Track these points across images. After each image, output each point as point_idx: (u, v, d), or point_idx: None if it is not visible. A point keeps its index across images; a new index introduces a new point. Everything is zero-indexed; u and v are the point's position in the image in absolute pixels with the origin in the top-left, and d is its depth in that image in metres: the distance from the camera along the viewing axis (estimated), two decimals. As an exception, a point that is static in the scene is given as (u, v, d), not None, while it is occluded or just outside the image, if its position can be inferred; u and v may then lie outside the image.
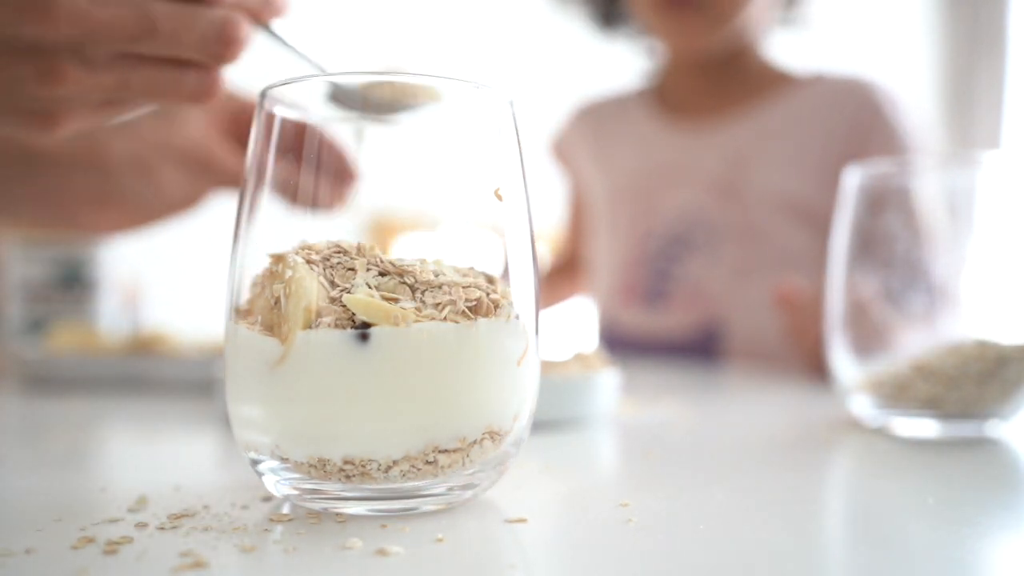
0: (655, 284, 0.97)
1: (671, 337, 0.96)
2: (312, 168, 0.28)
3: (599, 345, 1.00)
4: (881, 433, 0.47)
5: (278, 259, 0.29)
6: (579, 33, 1.19)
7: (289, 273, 0.28)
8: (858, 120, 0.92)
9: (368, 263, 0.28)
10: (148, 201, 0.56)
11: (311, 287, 0.27)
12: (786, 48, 1.07)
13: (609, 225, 1.05)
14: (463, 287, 0.28)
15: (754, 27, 0.96)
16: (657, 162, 1.01)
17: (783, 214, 0.93)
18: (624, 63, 1.15)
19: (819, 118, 0.94)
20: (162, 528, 0.27)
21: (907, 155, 0.89)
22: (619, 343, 1.00)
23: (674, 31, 0.95)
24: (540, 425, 0.45)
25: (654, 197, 1.00)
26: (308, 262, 0.28)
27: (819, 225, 0.85)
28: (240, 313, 0.30)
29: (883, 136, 0.90)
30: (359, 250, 0.29)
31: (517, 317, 0.29)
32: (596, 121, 1.11)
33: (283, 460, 0.28)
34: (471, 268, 0.30)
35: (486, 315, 0.28)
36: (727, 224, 0.94)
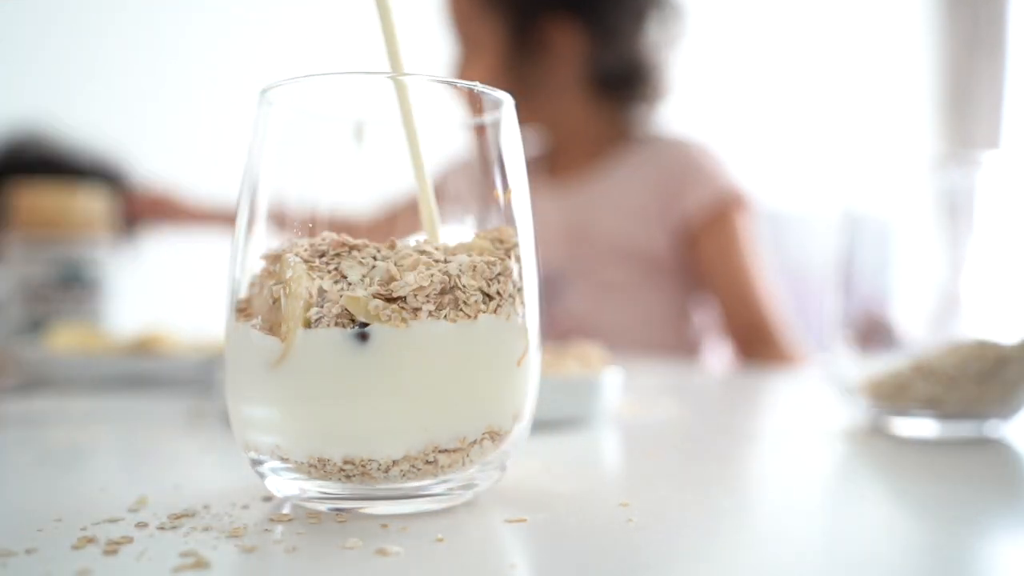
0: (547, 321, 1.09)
1: None
2: None
3: None
4: (881, 433, 0.47)
5: (275, 258, 0.29)
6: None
7: (289, 273, 0.28)
8: (671, 172, 1.10)
9: (368, 262, 0.28)
10: None
11: (311, 286, 0.27)
12: (792, 53, 1.08)
13: None
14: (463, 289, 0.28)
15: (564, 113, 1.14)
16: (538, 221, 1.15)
17: (615, 254, 1.12)
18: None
19: (644, 178, 1.11)
20: (162, 528, 0.27)
21: (718, 197, 1.07)
22: None
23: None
24: (540, 425, 0.45)
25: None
26: (306, 261, 0.28)
27: (642, 262, 1.10)
28: (240, 312, 0.30)
29: (691, 181, 1.08)
30: (358, 249, 0.29)
31: (519, 317, 0.29)
32: None
33: (283, 460, 0.28)
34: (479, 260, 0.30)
35: (493, 312, 0.28)
36: (579, 265, 1.12)
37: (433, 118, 0.31)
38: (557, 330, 1.10)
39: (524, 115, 0.32)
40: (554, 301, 1.12)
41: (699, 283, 1.12)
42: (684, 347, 1.13)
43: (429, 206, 0.31)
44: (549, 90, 1.12)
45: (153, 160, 2.12)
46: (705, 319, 1.16)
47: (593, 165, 1.16)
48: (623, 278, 1.13)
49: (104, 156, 1.54)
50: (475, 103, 0.31)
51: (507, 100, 0.31)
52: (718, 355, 1.17)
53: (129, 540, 0.25)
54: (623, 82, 1.13)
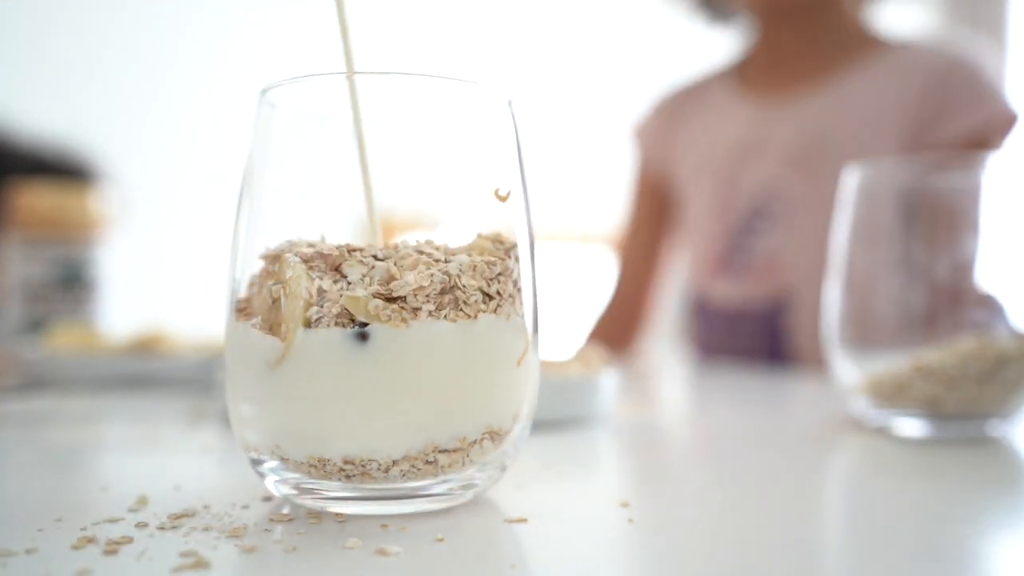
0: (735, 257, 0.99)
1: (746, 307, 0.98)
2: None
3: (684, 315, 1.06)
4: (881, 433, 0.47)
5: (274, 258, 0.29)
6: (579, 33, 1.19)
7: (289, 273, 0.28)
8: (927, 89, 0.90)
9: (368, 262, 0.28)
10: None
11: (310, 286, 0.27)
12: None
13: (694, 202, 1.06)
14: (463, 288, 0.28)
15: None
16: (736, 138, 1.02)
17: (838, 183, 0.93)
18: (626, 61, 1.15)
19: (895, 91, 0.92)
20: (162, 528, 0.27)
21: (984, 127, 0.88)
22: (702, 312, 1.03)
23: None
24: (540, 425, 0.45)
25: (735, 172, 1.01)
26: (306, 261, 0.28)
27: None
28: (240, 312, 0.30)
29: (953, 102, 0.89)
30: (357, 249, 0.29)
31: (519, 316, 0.29)
32: (677, 106, 1.12)
33: (283, 460, 0.28)
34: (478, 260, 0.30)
35: (493, 312, 0.28)
36: (803, 197, 0.94)
37: (433, 115, 0.31)
38: (753, 274, 0.97)
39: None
40: (756, 235, 0.97)
41: None
42: None
43: (372, 204, 0.30)
44: None
45: (153, 161, 2.12)
46: None
47: (827, 71, 0.97)
48: None
49: (70, 152, 1.50)
50: (475, 99, 0.31)
51: (507, 96, 0.31)
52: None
53: (129, 540, 0.25)
54: None
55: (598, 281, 2.71)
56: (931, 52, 0.94)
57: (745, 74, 1.07)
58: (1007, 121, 0.88)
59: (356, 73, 0.30)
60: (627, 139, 1.18)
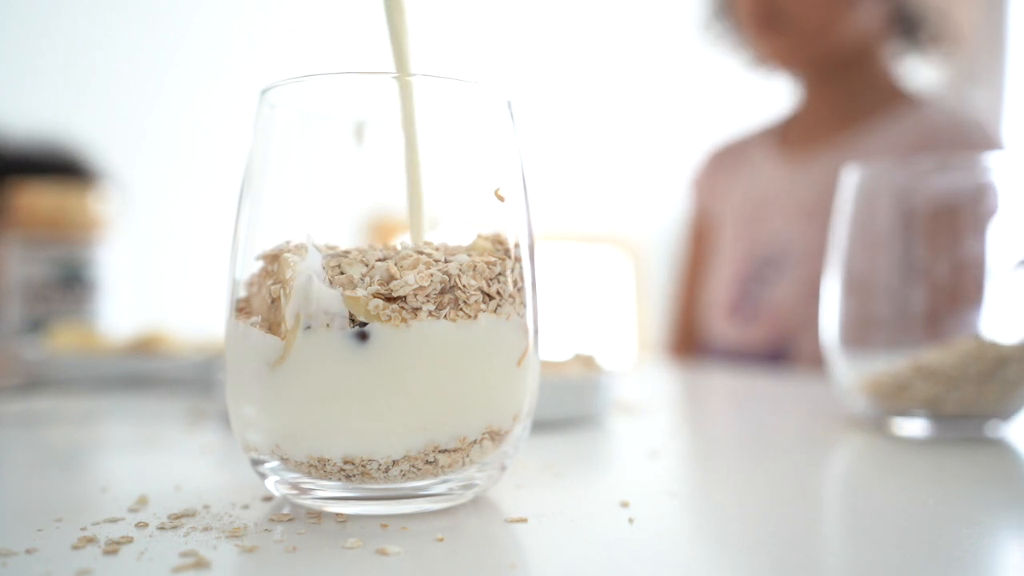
0: (744, 304, 1.05)
1: (746, 350, 1.03)
2: None
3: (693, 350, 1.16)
4: (881, 433, 0.47)
5: (273, 258, 0.29)
6: (578, 32, 1.19)
7: (288, 273, 0.28)
8: (929, 147, 0.93)
9: (367, 261, 0.28)
10: None
11: (310, 286, 0.27)
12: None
13: (723, 250, 1.13)
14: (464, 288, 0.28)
15: (859, 35, 0.98)
16: (761, 192, 1.08)
17: None
18: (627, 65, 1.15)
19: (899, 148, 0.96)
20: (162, 528, 0.27)
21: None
22: (708, 351, 1.10)
23: (771, 52, 1.01)
24: (540, 425, 0.45)
25: (754, 225, 1.07)
26: (305, 261, 0.28)
27: None
28: (239, 312, 0.30)
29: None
30: (357, 249, 0.29)
31: (519, 316, 0.29)
32: (725, 159, 1.19)
33: (283, 460, 0.28)
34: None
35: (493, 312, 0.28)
36: (808, 248, 0.98)
37: (433, 115, 0.31)
38: (754, 321, 1.01)
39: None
40: (766, 283, 1.01)
41: None
42: None
43: (419, 208, 0.30)
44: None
45: (153, 161, 2.12)
46: None
47: (852, 128, 1.01)
48: None
49: (70, 152, 1.49)
50: (475, 99, 0.31)
51: (507, 96, 0.31)
52: None
53: (129, 540, 0.25)
54: (906, 24, 0.99)
55: (598, 281, 2.71)
56: (938, 111, 0.98)
57: (786, 133, 1.12)
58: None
59: (356, 73, 0.30)
60: (685, 189, 1.27)
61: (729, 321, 1.06)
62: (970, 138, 0.94)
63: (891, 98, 1.01)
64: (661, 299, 2.29)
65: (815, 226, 0.97)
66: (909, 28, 1.02)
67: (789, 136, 1.10)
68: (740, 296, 1.05)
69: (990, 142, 0.93)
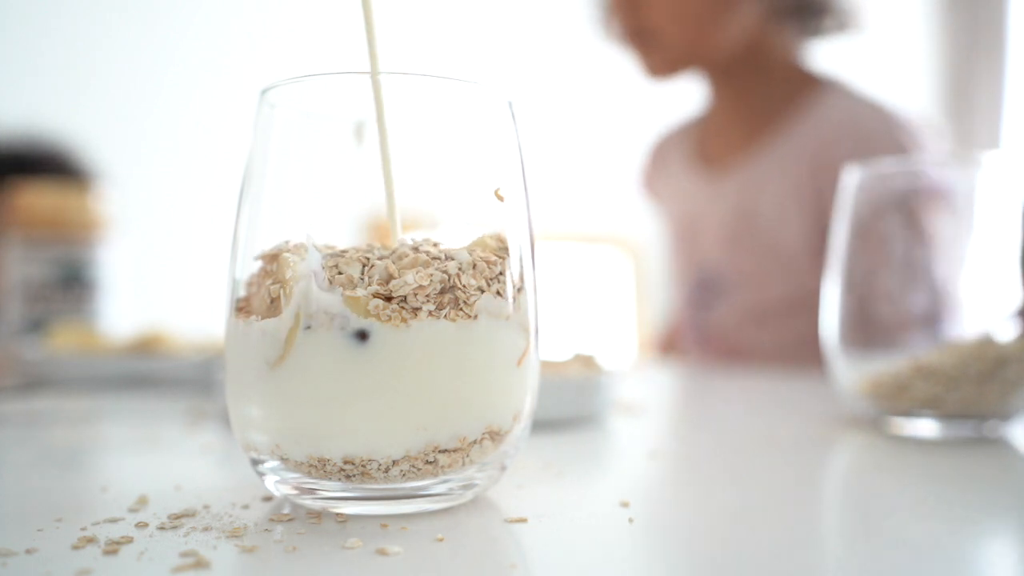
0: (694, 330, 1.04)
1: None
2: None
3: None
4: (881, 433, 0.47)
5: (273, 258, 0.29)
6: (578, 32, 1.19)
7: (288, 273, 0.28)
8: (830, 144, 0.89)
9: (366, 261, 0.28)
10: None
11: (310, 287, 0.27)
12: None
13: (669, 257, 1.12)
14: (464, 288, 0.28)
15: (743, 36, 0.93)
16: (684, 212, 1.06)
17: (784, 260, 0.93)
18: (628, 65, 1.14)
19: (804, 163, 0.91)
20: (162, 528, 0.27)
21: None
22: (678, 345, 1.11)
23: (649, 67, 0.98)
24: (540, 425, 0.45)
25: (685, 246, 1.06)
26: (304, 261, 0.28)
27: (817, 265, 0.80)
28: (239, 312, 0.30)
29: (851, 161, 0.86)
30: (356, 249, 0.29)
31: (520, 316, 0.29)
32: (662, 157, 1.14)
33: (283, 460, 0.28)
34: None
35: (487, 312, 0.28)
36: (736, 274, 0.97)
37: (434, 115, 0.31)
38: (706, 346, 1.01)
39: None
40: (706, 308, 1.00)
41: None
42: None
43: (393, 207, 0.30)
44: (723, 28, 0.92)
45: (153, 161, 2.12)
46: None
47: (756, 138, 0.97)
48: (787, 289, 0.92)
49: (70, 152, 1.49)
50: (475, 99, 0.31)
51: (507, 96, 0.31)
52: None
53: (129, 540, 0.25)
54: (803, 9, 0.93)
55: (598, 281, 2.71)
56: (841, 103, 0.92)
57: (701, 141, 1.07)
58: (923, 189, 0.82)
59: (355, 73, 0.30)
60: (636, 192, 1.23)
61: (689, 341, 1.06)
62: (869, 124, 0.89)
63: (800, 87, 0.95)
64: (661, 299, 2.29)
65: (740, 251, 0.96)
66: (808, 15, 0.95)
67: (704, 147, 1.05)
68: (689, 323, 1.05)
69: (912, 132, 0.88)
